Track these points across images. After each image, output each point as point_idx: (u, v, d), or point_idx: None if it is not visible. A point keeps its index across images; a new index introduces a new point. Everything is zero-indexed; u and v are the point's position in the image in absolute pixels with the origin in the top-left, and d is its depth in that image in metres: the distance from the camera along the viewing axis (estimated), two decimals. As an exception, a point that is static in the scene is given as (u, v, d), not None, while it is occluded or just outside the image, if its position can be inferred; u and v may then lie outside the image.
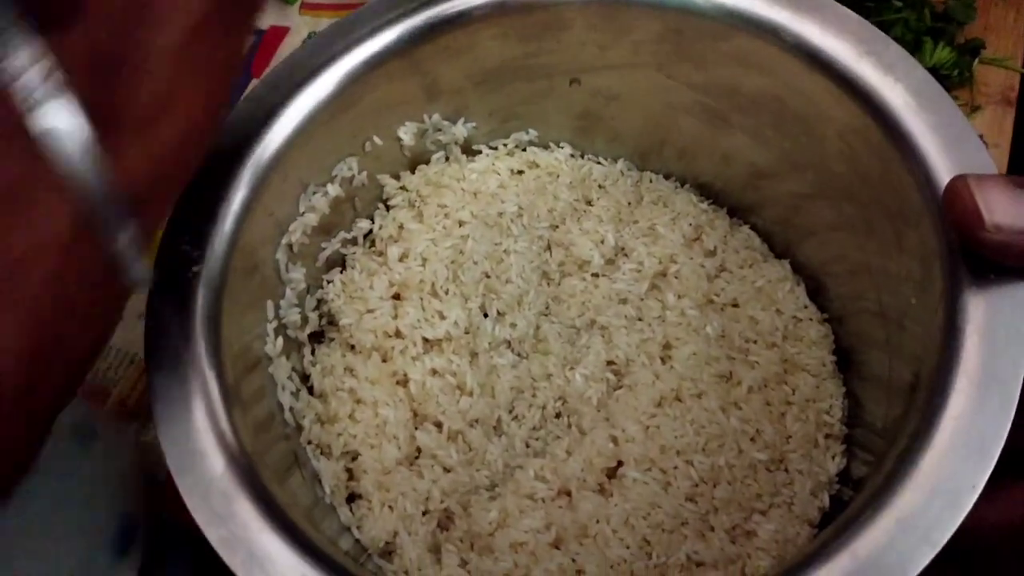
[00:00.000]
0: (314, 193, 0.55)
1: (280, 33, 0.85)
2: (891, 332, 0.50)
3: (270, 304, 0.53)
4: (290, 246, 0.54)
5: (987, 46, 0.70)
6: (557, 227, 0.63)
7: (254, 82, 0.82)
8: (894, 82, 0.46)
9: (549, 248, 0.62)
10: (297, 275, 0.55)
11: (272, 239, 0.53)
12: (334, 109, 0.53)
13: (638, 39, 0.55)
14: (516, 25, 0.55)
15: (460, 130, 0.61)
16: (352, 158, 0.57)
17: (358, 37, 0.53)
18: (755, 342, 0.58)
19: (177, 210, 0.48)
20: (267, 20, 0.86)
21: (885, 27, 0.68)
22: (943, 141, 0.44)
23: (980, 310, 0.40)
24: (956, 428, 0.37)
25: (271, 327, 0.53)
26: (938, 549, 0.35)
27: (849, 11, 0.49)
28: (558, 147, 0.64)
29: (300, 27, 0.86)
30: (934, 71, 0.68)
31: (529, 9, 0.54)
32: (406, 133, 0.59)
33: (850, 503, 0.41)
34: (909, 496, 0.36)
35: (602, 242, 0.61)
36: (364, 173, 0.58)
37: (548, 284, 0.62)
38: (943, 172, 0.43)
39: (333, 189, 0.57)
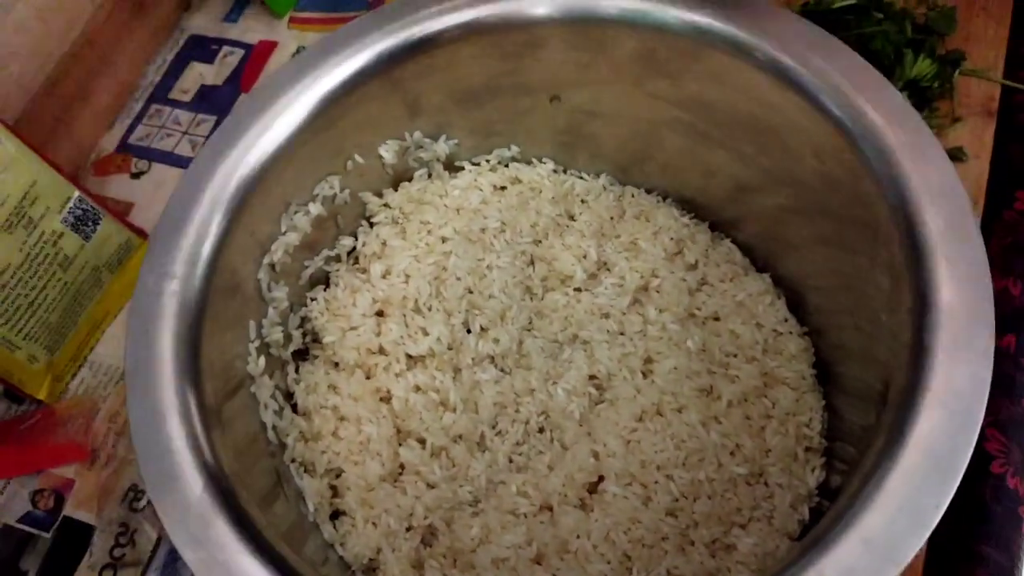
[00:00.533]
0: (296, 212, 0.56)
1: (268, 47, 0.86)
2: (865, 344, 0.51)
3: (252, 323, 0.54)
4: (272, 265, 0.55)
5: (968, 57, 0.70)
6: (540, 242, 0.63)
7: (243, 96, 0.82)
8: (864, 101, 0.46)
9: (532, 263, 0.63)
10: (280, 294, 0.56)
11: (253, 259, 0.54)
12: (315, 129, 0.53)
13: (615, 57, 0.55)
14: (494, 44, 0.55)
15: (442, 147, 0.62)
16: (334, 177, 0.58)
17: (339, 58, 0.54)
18: (735, 356, 0.58)
19: (157, 231, 0.49)
20: (256, 35, 0.87)
21: (866, 39, 0.68)
22: (911, 160, 0.44)
23: (947, 329, 0.40)
24: (922, 447, 0.38)
25: (253, 346, 0.53)
26: (902, 567, 0.35)
27: (820, 30, 0.49)
28: (540, 162, 0.65)
29: (288, 41, 0.86)
30: (915, 83, 0.68)
31: (506, 28, 0.54)
32: (388, 151, 0.60)
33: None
34: (874, 516, 0.37)
35: (584, 257, 0.62)
36: (346, 191, 0.59)
37: (531, 299, 0.62)
38: (911, 191, 0.43)
39: (315, 208, 0.57)
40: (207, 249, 0.49)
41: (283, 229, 0.55)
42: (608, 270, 0.62)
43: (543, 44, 0.55)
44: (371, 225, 0.62)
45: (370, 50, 0.53)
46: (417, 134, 0.60)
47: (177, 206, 0.49)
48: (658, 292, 0.61)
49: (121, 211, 0.75)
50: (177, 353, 0.46)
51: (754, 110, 0.52)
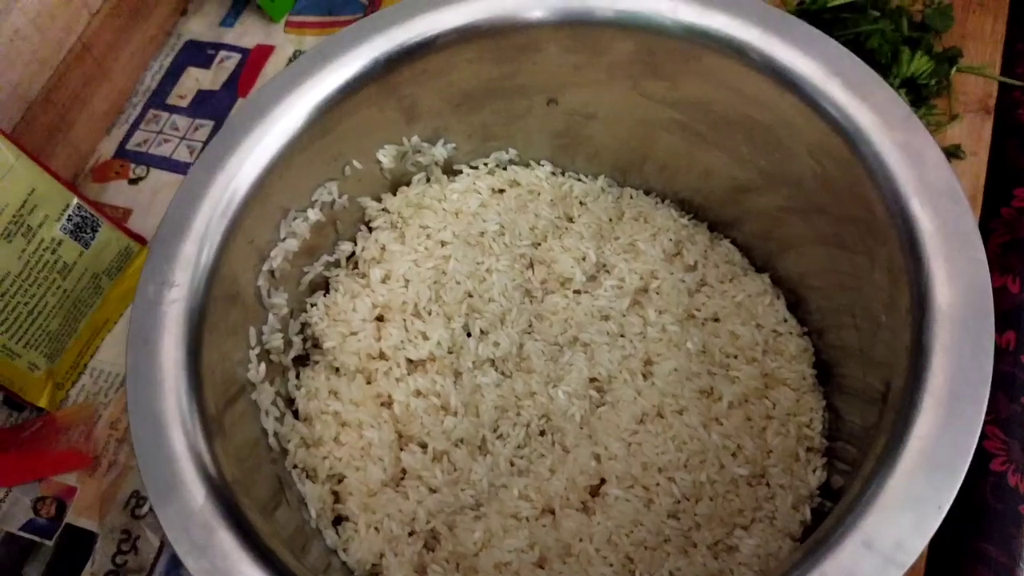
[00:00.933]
0: (295, 218, 0.56)
1: (265, 52, 0.85)
2: (865, 344, 0.51)
3: (252, 330, 0.54)
4: (272, 272, 0.55)
5: (965, 54, 0.70)
6: (539, 245, 0.63)
7: (239, 103, 0.82)
8: (860, 101, 0.46)
9: (531, 266, 0.63)
10: (279, 300, 0.56)
11: (253, 266, 0.54)
12: (312, 135, 0.53)
13: (612, 59, 0.55)
14: (491, 48, 0.55)
15: (440, 151, 0.62)
16: (332, 182, 0.58)
17: (335, 63, 0.54)
18: (736, 357, 0.58)
19: (156, 239, 0.49)
20: (252, 39, 0.87)
21: (862, 38, 0.68)
22: (908, 159, 0.44)
23: (946, 329, 0.40)
24: (922, 448, 0.38)
25: (254, 353, 0.53)
26: (905, 569, 0.35)
27: (816, 30, 0.49)
28: (539, 165, 0.65)
29: (285, 45, 0.86)
30: (912, 80, 0.68)
31: (502, 32, 0.54)
32: (386, 156, 0.60)
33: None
34: (876, 518, 0.37)
35: (584, 259, 0.62)
36: (345, 197, 0.59)
37: (531, 302, 0.62)
38: (908, 190, 0.43)
39: (314, 214, 0.57)
40: (207, 257, 0.48)
41: (282, 235, 0.55)
42: (607, 272, 0.62)
43: (539, 47, 0.55)
44: (370, 230, 0.62)
45: (366, 55, 0.53)
46: (415, 138, 0.60)
47: (176, 214, 0.49)
48: (657, 293, 0.61)
49: (120, 217, 0.75)
50: (178, 361, 0.46)
51: (750, 111, 0.52)
